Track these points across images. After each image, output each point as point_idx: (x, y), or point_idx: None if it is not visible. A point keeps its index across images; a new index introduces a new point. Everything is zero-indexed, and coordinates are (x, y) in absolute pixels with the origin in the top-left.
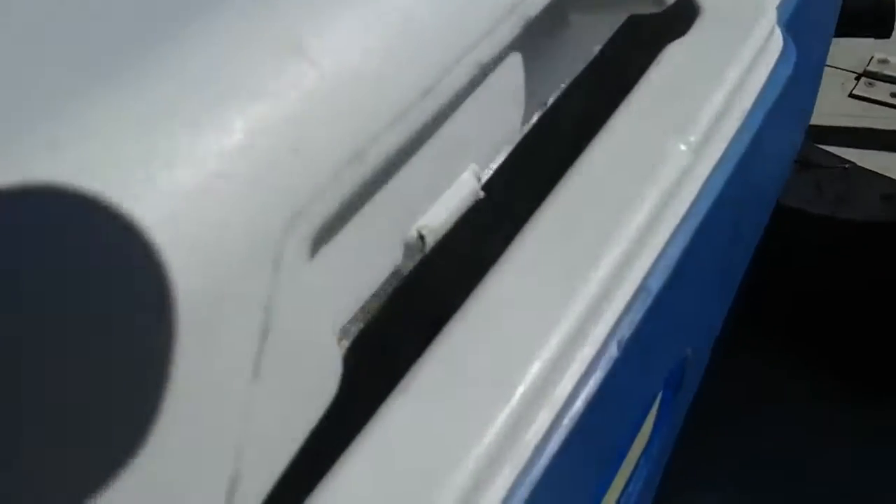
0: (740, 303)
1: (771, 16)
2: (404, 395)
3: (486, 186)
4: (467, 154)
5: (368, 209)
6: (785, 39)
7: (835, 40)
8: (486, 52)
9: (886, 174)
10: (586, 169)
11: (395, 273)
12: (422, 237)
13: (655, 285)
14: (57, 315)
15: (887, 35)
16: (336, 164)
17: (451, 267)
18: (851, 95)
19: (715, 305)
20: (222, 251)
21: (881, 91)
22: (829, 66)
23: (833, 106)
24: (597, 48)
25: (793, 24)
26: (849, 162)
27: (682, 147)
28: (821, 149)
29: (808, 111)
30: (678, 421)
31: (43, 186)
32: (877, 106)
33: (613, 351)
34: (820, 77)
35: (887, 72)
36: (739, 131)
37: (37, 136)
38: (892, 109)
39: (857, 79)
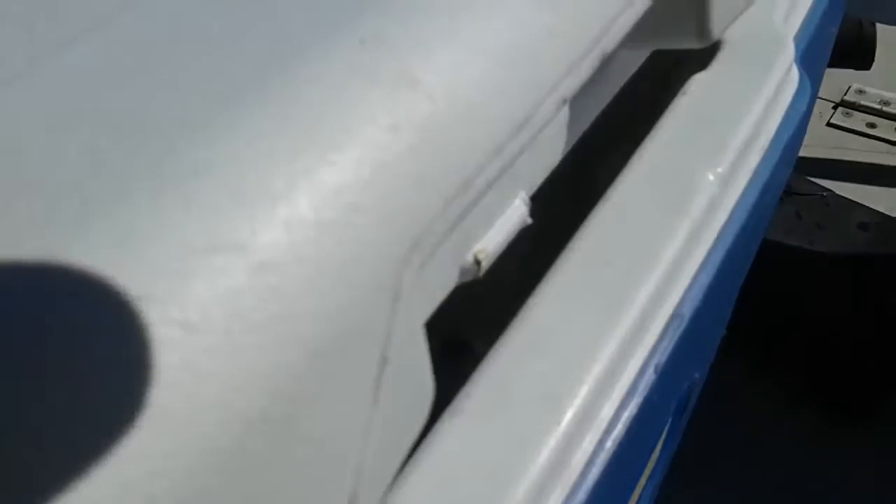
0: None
1: (790, 52)
2: (457, 416)
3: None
4: (520, 180)
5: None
6: (801, 75)
7: None
8: (569, 87)
9: (863, 202)
10: (621, 198)
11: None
12: (478, 261)
13: (688, 312)
14: None
15: (867, 67)
16: (446, 194)
17: (498, 291)
18: (829, 125)
19: (720, 330)
20: (351, 282)
21: (858, 121)
22: None
23: (811, 135)
24: (627, 77)
25: (804, 59)
26: (827, 190)
27: (711, 177)
28: (801, 177)
29: (802, 140)
30: (676, 444)
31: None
32: (854, 136)
33: (651, 375)
34: (812, 106)
35: (864, 102)
36: (761, 163)
37: (183, 160)
38: (869, 139)
39: (835, 108)
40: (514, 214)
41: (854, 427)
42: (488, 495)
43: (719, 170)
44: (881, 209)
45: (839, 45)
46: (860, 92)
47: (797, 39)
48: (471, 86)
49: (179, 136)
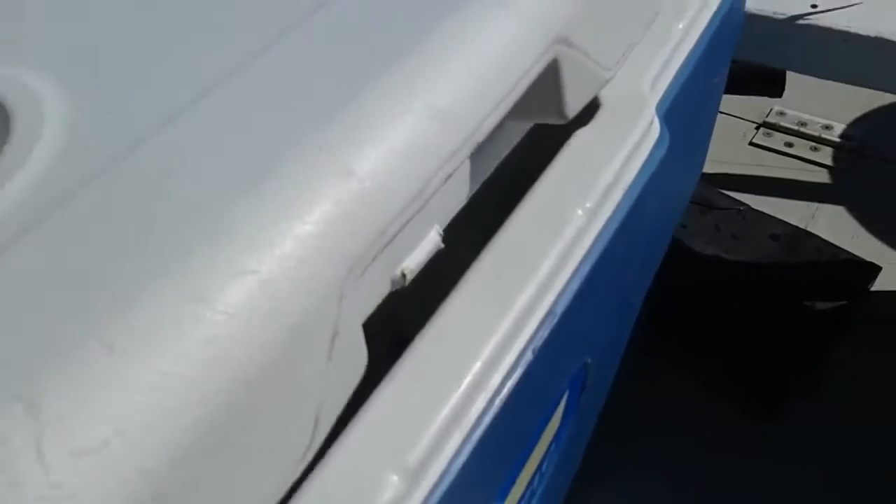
0: (648, 322)
1: (650, 111)
2: (390, 382)
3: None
4: (434, 217)
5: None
6: (661, 127)
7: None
8: (454, 163)
9: (776, 215)
10: (513, 227)
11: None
12: (404, 275)
13: (559, 310)
14: None
15: (779, 95)
16: (373, 234)
17: (417, 297)
18: (751, 144)
19: (611, 324)
20: (311, 289)
21: (777, 141)
22: (732, 116)
23: (735, 153)
24: (524, 133)
25: (671, 113)
26: (744, 205)
27: (580, 212)
28: (721, 193)
29: (696, 171)
30: (590, 418)
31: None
32: (773, 154)
33: (529, 355)
34: (706, 144)
35: (784, 123)
36: (623, 199)
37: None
38: (786, 157)
39: (757, 129)
40: (430, 242)
41: (767, 416)
42: (408, 436)
43: (588, 205)
44: (793, 221)
45: (747, 77)
46: (781, 114)
47: (664, 98)
48: (386, 171)
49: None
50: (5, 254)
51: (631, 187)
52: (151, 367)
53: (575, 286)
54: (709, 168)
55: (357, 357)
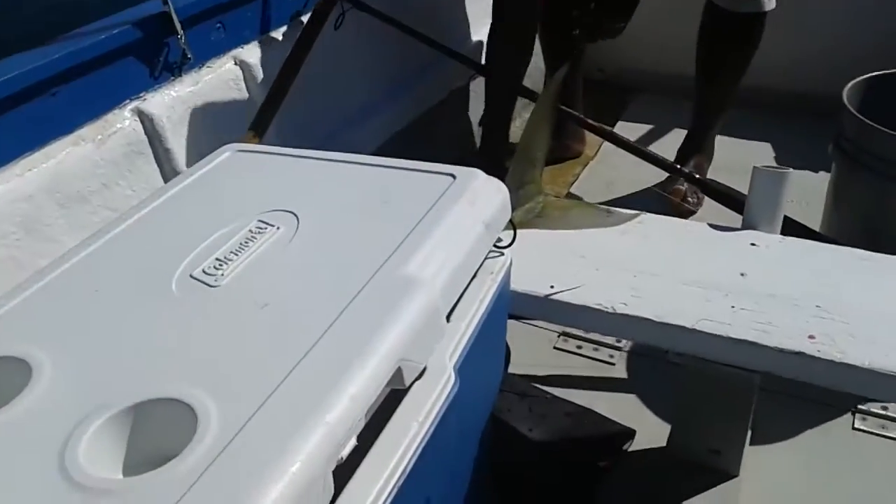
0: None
1: (449, 366)
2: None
3: None
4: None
5: None
6: (455, 376)
7: None
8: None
9: (570, 399)
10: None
11: None
12: (342, 457)
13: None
14: None
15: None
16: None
17: None
18: (555, 348)
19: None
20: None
21: (571, 345)
22: (540, 328)
23: (545, 356)
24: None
25: (466, 361)
26: (549, 394)
27: (414, 424)
28: (535, 386)
29: (495, 384)
30: None
31: None
32: (571, 355)
33: None
34: (499, 371)
35: (574, 332)
36: (435, 419)
37: None
38: (579, 357)
39: (559, 336)
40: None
41: None
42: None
43: (417, 425)
44: (583, 402)
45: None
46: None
47: (459, 357)
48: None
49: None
50: None
51: (437, 414)
52: None
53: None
54: (525, 364)
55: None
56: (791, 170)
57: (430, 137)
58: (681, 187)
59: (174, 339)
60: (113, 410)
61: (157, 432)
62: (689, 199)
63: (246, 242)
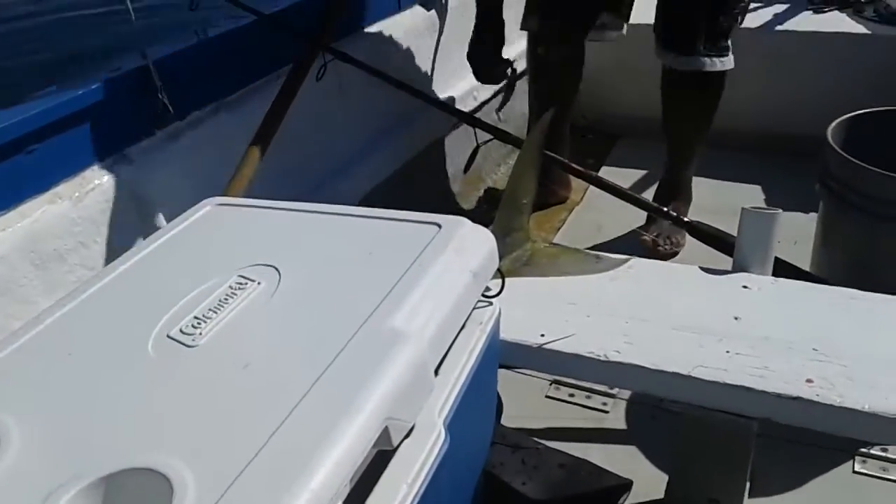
0: None
1: (439, 422)
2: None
3: None
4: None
5: None
6: (446, 435)
7: None
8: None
9: (563, 450)
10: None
11: None
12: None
13: None
14: None
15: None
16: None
17: None
18: (547, 397)
19: None
20: None
21: (563, 393)
22: (531, 376)
23: (535, 405)
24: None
25: (457, 416)
26: (542, 444)
27: (404, 486)
28: (528, 437)
29: (487, 437)
30: None
31: None
32: (559, 403)
33: None
34: (491, 424)
35: (566, 381)
36: (426, 479)
37: None
38: (572, 406)
39: (550, 385)
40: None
41: None
42: None
43: (409, 483)
44: (577, 452)
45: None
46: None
47: (449, 412)
48: None
49: None
50: None
51: (427, 474)
52: None
53: None
54: (516, 415)
55: None
56: (781, 210)
57: (417, 185)
58: (646, 238)
59: (150, 405)
60: (83, 483)
61: None
62: (662, 245)
63: (226, 299)
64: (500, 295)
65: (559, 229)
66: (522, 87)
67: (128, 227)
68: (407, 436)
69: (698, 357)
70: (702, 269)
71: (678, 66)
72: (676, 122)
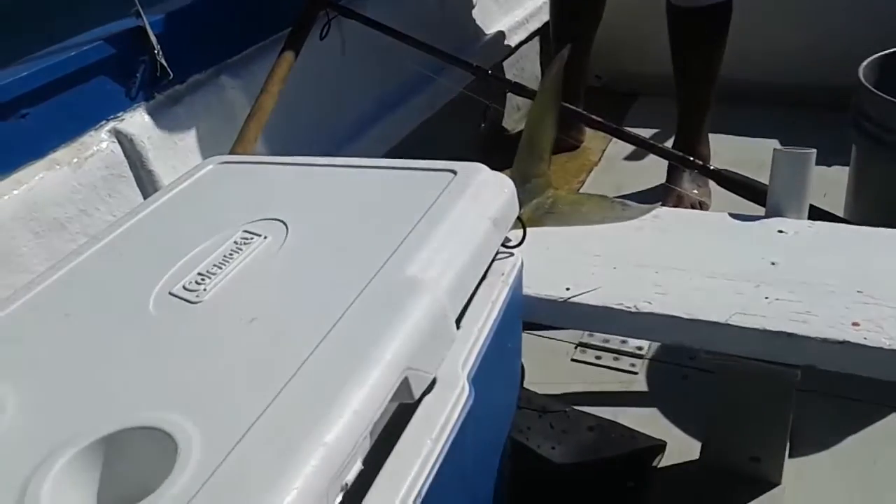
0: None
1: (462, 376)
2: None
3: None
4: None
5: None
6: (470, 388)
7: None
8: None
9: (592, 413)
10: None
11: None
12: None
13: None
14: None
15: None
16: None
17: None
18: (573, 360)
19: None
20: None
21: (590, 356)
22: (555, 339)
23: (561, 369)
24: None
25: (480, 372)
26: (569, 406)
27: (428, 442)
28: (551, 398)
29: (513, 398)
30: None
31: None
32: (587, 366)
33: None
34: (516, 383)
35: (593, 342)
36: (451, 435)
37: None
38: (599, 368)
39: (576, 347)
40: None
41: None
42: None
43: (432, 441)
44: (607, 415)
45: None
46: (590, 335)
47: (472, 366)
48: None
49: None
50: None
51: (452, 430)
52: None
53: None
54: (541, 380)
55: None
56: (815, 150)
57: (430, 149)
58: (673, 189)
59: (151, 363)
60: (82, 444)
61: (132, 465)
62: (688, 198)
63: (230, 254)
64: (521, 246)
65: (577, 190)
66: (534, 47)
67: (130, 194)
68: (429, 390)
69: (736, 304)
70: (731, 215)
71: (682, 3)
72: (686, 60)
